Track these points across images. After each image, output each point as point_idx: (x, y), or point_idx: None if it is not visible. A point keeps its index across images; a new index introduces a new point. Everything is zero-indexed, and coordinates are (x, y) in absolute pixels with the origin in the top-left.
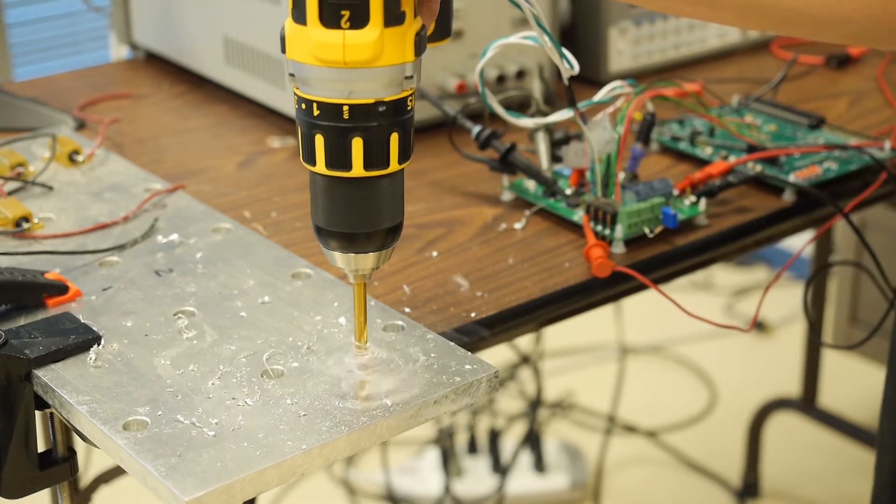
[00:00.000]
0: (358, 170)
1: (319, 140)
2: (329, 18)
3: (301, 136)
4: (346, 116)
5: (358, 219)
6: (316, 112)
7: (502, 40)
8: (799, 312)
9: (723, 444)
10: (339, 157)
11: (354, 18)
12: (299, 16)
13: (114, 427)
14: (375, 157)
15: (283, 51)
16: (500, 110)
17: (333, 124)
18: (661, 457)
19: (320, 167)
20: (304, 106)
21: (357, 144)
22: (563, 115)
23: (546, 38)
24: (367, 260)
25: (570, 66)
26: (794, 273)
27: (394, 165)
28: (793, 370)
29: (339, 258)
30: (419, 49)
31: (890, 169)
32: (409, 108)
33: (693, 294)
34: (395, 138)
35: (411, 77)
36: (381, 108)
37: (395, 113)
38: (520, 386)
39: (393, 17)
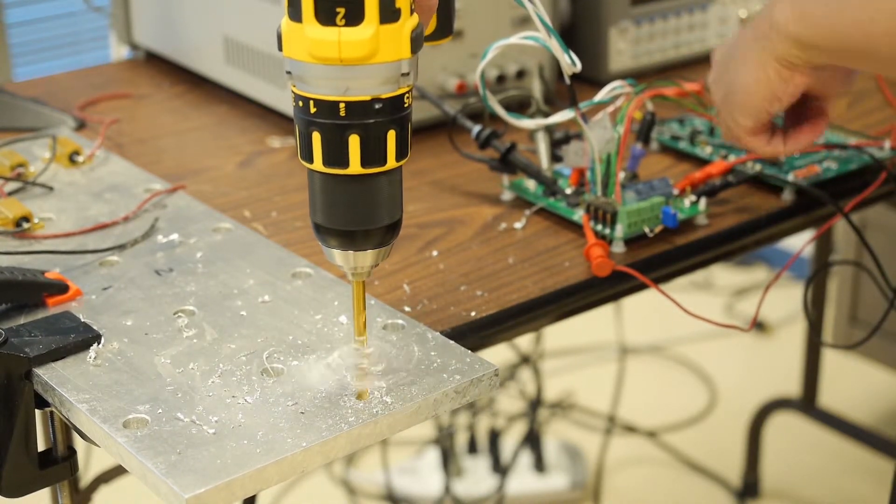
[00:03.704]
0: (355, 167)
1: (316, 137)
2: (324, 16)
3: (298, 133)
4: (342, 114)
5: (356, 216)
6: (313, 109)
7: (502, 41)
8: (799, 312)
9: (723, 444)
10: (336, 154)
11: (350, 16)
12: (295, 13)
13: (114, 425)
14: (372, 154)
15: (280, 48)
16: (500, 112)
17: (330, 122)
18: (661, 457)
19: (318, 165)
20: (301, 103)
21: (354, 142)
22: (564, 115)
23: (549, 35)
24: (366, 258)
25: (572, 62)
26: (794, 273)
27: (391, 163)
28: (793, 370)
29: (338, 256)
30: (415, 46)
31: (890, 168)
32: (406, 105)
33: (693, 294)
34: (392, 135)
35: (408, 74)
36: (377, 106)
37: (392, 110)
38: (520, 386)
39: (388, 14)
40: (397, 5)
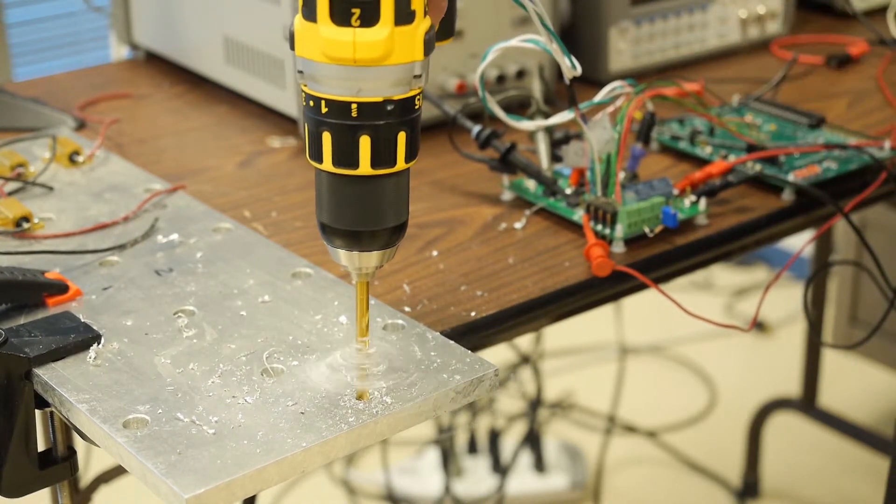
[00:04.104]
0: (365, 168)
1: (327, 137)
2: (340, 16)
3: (308, 133)
4: (354, 114)
5: (363, 217)
6: (324, 109)
7: (502, 44)
8: (799, 312)
9: (723, 444)
10: (346, 154)
11: (365, 16)
12: (309, 13)
13: (114, 425)
14: (383, 155)
15: (292, 47)
16: (500, 113)
17: (341, 122)
18: (661, 457)
19: (327, 165)
20: (311, 103)
21: (365, 143)
22: (564, 116)
23: (550, 38)
24: (371, 258)
25: (573, 66)
26: (794, 273)
27: (400, 164)
28: (793, 370)
29: (344, 256)
30: (428, 48)
31: (890, 168)
32: (416, 107)
33: (693, 294)
34: (402, 137)
35: (420, 76)
36: (389, 107)
37: (403, 112)
38: (520, 386)
39: (403, 15)
40: (412, 7)
